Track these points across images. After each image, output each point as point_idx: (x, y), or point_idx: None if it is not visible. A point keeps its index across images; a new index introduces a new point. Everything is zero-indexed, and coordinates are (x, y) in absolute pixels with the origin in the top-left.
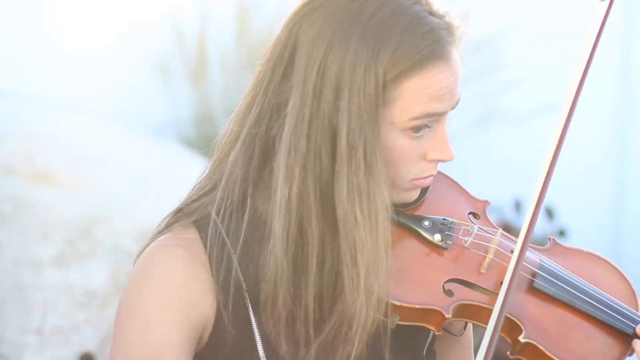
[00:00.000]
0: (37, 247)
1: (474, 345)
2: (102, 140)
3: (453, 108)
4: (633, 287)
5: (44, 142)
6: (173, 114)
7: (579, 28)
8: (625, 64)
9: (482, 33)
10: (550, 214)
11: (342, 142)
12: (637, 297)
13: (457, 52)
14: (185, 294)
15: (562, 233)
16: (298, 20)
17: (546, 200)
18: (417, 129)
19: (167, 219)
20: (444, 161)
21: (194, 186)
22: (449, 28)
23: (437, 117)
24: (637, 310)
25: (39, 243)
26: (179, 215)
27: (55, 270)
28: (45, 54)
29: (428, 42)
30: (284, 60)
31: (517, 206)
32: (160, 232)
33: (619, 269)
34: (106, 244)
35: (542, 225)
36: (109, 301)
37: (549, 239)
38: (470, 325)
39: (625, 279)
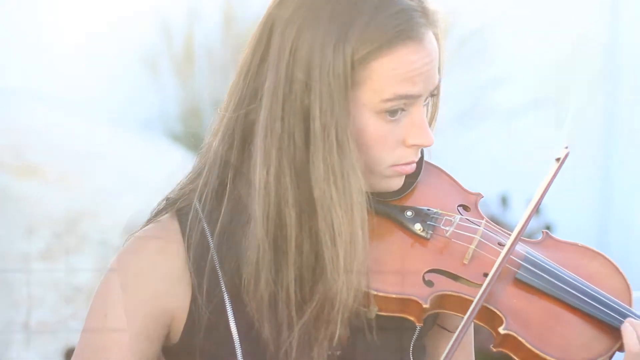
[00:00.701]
0: (23, 241)
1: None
2: (89, 135)
3: (432, 93)
4: (628, 282)
5: (31, 137)
6: (160, 109)
7: (567, 24)
8: (611, 61)
9: (469, 28)
10: (537, 211)
11: (316, 124)
12: (632, 292)
13: (433, 36)
14: (147, 288)
15: (548, 228)
16: (276, 5)
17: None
18: (392, 113)
19: (156, 208)
20: (422, 146)
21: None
22: (423, 10)
23: (411, 100)
24: (631, 305)
25: (25, 237)
26: (166, 204)
27: (41, 264)
28: (33, 49)
29: (398, 22)
30: (262, 45)
31: (504, 201)
32: (148, 221)
33: (614, 263)
34: (93, 239)
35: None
36: None
37: (542, 232)
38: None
39: (620, 273)
